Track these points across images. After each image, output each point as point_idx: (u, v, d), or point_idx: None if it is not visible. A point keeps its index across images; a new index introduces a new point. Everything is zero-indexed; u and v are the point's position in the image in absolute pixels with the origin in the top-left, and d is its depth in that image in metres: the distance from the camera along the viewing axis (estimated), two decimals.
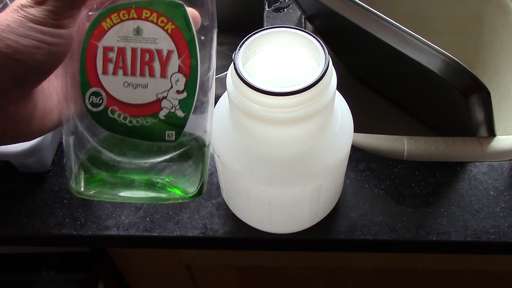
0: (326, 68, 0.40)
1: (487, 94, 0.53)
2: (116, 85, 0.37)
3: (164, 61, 0.37)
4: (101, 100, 0.38)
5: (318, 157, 0.44)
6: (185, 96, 0.38)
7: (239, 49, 0.42)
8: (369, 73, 0.85)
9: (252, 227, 0.54)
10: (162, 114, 0.38)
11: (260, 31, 0.43)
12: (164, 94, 0.37)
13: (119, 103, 0.38)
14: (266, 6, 0.80)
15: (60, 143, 0.63)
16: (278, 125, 0.41)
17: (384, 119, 0.86)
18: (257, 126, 0.42)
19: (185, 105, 0.38)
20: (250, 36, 0.43)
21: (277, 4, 0.80)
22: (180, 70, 0.37)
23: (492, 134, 0.63)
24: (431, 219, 0.55)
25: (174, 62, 0.37)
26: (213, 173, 0.59)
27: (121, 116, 0.38)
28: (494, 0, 0.84)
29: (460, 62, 0.50)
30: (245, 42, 0.42)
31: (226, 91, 0.43)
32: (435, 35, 0.91)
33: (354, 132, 0.63)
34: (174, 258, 0.67)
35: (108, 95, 0.37)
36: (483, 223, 0.55)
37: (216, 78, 0.73)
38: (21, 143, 0.52)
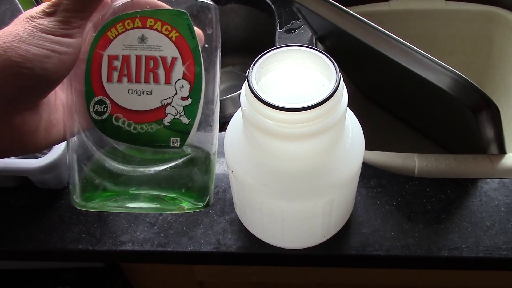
0: (337, 84, 0.41)
1: (497, 111, 0.54)
2: (121, 92, 0.38)
3: (169, 68, 0.38)
4: (105, 108, 0.38)
5: (330, 172, 0.45)
6: (190, 102, 0.38)
7: (253, 67, 0.43)
8: (379, 92, 0.86)
9: (265, 242, 0.55)
10: (166, 121, 0.38)
11: (273, 49, 0.44)
12: (169, 101, 0.38)
13: (124, 110, 0.38)
14: (278, 27, 0.81)
15: None
16: (291, 140, 0.42)
17: (394, 137, 0.87)
18: (270, 141, 0.43)
19: (190, 111, 0.38)
20: (264, 54, 0.44)
21: (289, 25, 0.82)
22: (184, 77, 0.38)
23: (502, 151, 0.64)
24: (443, 235, 0.56)
25: (179, 69, 0.38)
26: (226, 189, 0.60)
27: (126, 123, 0.38)
28: (503, 20, 0.86)
29: (469, 79, 0.51)
30: (259, 60, 0.44)
31: (240, 108, 0.45)
32: (445, 55, 0.92)
33: (365, 149, 0.64)
34: (187, 274, 0.67)
35: (113, 102, 0.38)
36: (495, 239, 0.55)
37: (229, 98, 0.75)
38: (40, 159, 0.54)
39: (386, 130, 0.89)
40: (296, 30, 0.81)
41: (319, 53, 0.44)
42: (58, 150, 0.56)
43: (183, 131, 0.38)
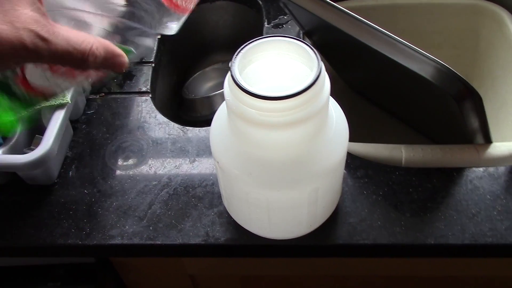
0: (318, 73, 0.42)
1: (479, 99, 0.55)
2: None
3: None
4: None
5: (315, 160, 0.46)
6: None
7: (236, 57, 0.44)
8: (367, 85, 0.87)
9: (253, 233, 0.56)
10: None
11: (255, 40, 0.45)
12: None
13: None
14: (266, 23, 0.82)
15: (66, 157, 0.65)
16: (274, 129, 0.43)
17: (383, 130, 0.88)
18: (254, 131, 0.44)
19: None
20: (246, 45, 0.44)
21: (276, 20, 0.83)
22: None
23: (488, 141, 0.65)
24: (429, 224, 0.56)
25: None
26: (215, 182, 0.61)
27: None
28: (489, 13, 0.86)
29: (451, 68, 0.52)
30: (241, 51, 0.44)
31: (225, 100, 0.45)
32: (432, 48, 0.92)
33: (353, 142, 0.65)
34: (178, 268, 0.68)
35: None
36: (480, 226, 0.56)
37: (218, 94, 0.75)
38: (27, 155, 0.54)
39: (375, 123, 0.89)
40: (284, 25, 0.82)
41: (301, 43, 0.44)
42: (46, 145, 0.56)
43: None
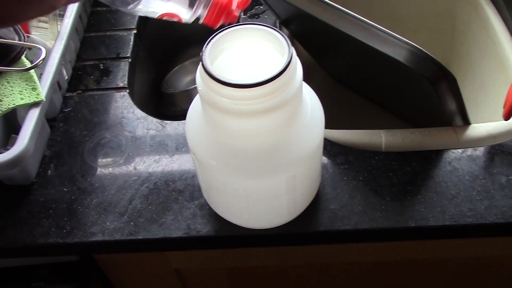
0: (289, 59, 0.41)
1: (454, 81, 0.55)
2: None
3: None
4: None
5: (290, 148, 0.46)
6: None
7: (206, 47, 0.43)
8: (346, 73, 0.87)
9: (234, 224, 0.55)
10: None
11: (225, 29, 0.44)
12: None
13: None
14: (242, 14, 0.82)
15: (44, 155, 0.64)
16: (248, 117, 0.42)
17: (363, 116, 0.88)
18: (228, 120, 0.43)
19: None
20: (216, 34, 0.44)
21: (253, 11, 0.82)
22: None
23: (467, 122, 0.65)
24: (409, 207, 0.56)
25: None
26: (194, 175, 0.61)
27: None
28: None
29: (425, 50, 0.52)
30: (212, 40, 0.44)
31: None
32: (409, 33, 0.92)
33: (334, 129, 0.65)
34: (162, 263, 0.67)
35: None
36: (460, 207, 0.56)
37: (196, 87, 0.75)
38: (3, 155, 0.54)
39: (355, 109, 0.89)
40: (260, 15, 0.81)
41: (271, 29, 0.44)
42: (21, 144, 0.56)
43: None
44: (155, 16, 0.41)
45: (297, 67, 0.43)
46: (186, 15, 0.41)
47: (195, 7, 0.40)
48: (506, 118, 0.60)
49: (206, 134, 0.47)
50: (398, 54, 0.53)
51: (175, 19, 0.41)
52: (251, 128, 0.44)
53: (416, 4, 0.90)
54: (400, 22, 0.92)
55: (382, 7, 0.90)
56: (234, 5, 0.42)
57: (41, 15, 0.38)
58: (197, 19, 0.43)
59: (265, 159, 0.45)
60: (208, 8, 0.41)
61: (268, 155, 0.45)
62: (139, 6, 0.40)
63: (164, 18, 0.41)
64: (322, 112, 0.50)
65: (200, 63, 0.43)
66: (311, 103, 0.49)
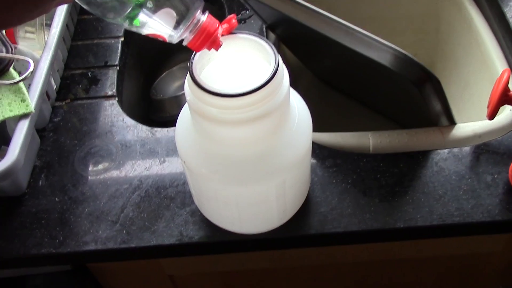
0: (276, 68, 0.42)
1: (438, 83, 0.56)
2: None
3: None
4: None
5: (279, 154, 0.46)
6: None
7: (193, 57, 0.44)
8: (333, 75, 0.88)
9: (226, 230, 0.56)
10: None
11: None
12: None
13: None
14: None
15: (35, 166, 0.64)
16: (236, 126, 0.43)
17: (352, 118, 0.89)
18: (217, 128, 0.44)
19: None
20: None
21: (239, 16, 0.83)
22: None
23: (452, 122, 0.66)
24: (398, 208, 0.57)
25: None
26: (185, 181, 0.61)
27: None
28: None
29: (408, 54, 0.53)
30: None
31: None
32: (395, 34, 0.94)
33: (323, 132, 0.65)
34: (156, 269, 0.68)
35: None
36: (447, 206, 0.57)
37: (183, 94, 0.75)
38: None
39: (344, 111, 0.90)
40: (246, 21, 0.82)
41: (258, 38, 0.45)
42: (11, 156, 0.56)
43: None
44: (141, 33, 0.42)
45: (284, 75, 0.44)
46: (170, 37, 0.42)
47: (181, 31, 0.41)
48: (490, 117, 0.61)
49: (196, 143, 0.47)
50: (383, 58, 0.54)
51: (160, 39, 0.42)
52: (240, 136, 0.44)
53: (401, 6, 0.91)
54: (386, 24, 0.93)
55: (368, 9, 0.91)
56: (219, 33, 0.43)
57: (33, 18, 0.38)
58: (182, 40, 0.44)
59: (254, 166, 0.46)
60: (194, 34, 0.41)
61: (257, 162, 0.46)
62: (125, 23, 0.41)
63: (150, 36, 0.42)
64: (309, 118, 0.50)
65: (188, 73, 0.43)
66: (298, 109, 0.49)
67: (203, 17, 0.41)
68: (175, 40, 0.42)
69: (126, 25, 0.40)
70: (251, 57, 0.47)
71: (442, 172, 0.60)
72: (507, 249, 0.67)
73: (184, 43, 0.42)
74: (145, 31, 0.41)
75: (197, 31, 0.42)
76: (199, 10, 0.41)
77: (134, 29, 0.41)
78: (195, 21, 0.41)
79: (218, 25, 0.43)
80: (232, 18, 0.44)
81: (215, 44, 0.43)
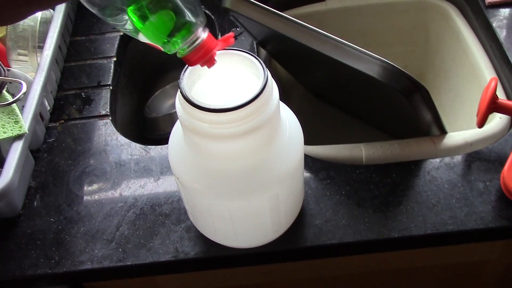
0: (265, 82, 0.43)
1: (426, 92, 0.57)
2: None
3: None
4: None
5: (271, 167, 0.47)
6: None
7: (184, 74, 0.44)
8: (324, 88, 0.89)
9: (221, 245, 0.56)
10: None
11: None
12: None
13: None
14: (220, 36, 0.83)
15: (30, 187, 0.64)
16: (228, 140, 0.44)
17: (344, 130, 0.90)
18: (208, 143, 0.45)
19: None
20: None
21: (230, 33, 0.84)
22: None
23: (443, 132, 0.67)
24: (392, 218, 0.58)
25: None
26: (180, 198, 0.61)
27: None
28: (435, 8, 0.89)
29: (396, 65, 0.54)
30: (189, 67, 0.45)
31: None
32: (385, 47, 0.96)
33: (316, 145, 0.66)
34: (152, 287, 0.68)
35: None
36: (441, 215, 0.57)
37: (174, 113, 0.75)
38: None
39: (336, 123, 0.91)
40: (237, 37, 0.83)
41: (246, 54, 0.45)
42: (6, 177, 0.56)
43: None
44: (139, 39, 0.42)
45: (273, 89, 0.45)
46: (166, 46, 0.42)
47: (180, 43, 0.41)
48: (480, 125, 0.61)
49: (188, 158, 0.48)
50: (371, 70, 0.55)
51: (156, 47, 0.42)
52: (232, 150, 0.45)
53: (390, 18, 0.92)
54: (376, 37, 0.94)
55: (358, 22, 0.92)
56: (216, 51, 0.43)
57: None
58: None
59: (247, 180, 0.46)
60: (191, 49, 0.42)
61: (250, 176, 0.46)
62: (126, 26, 0.41)
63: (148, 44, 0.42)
64: (300, 130, 0.51)
65: (179, 90, 0.44)
66: (289, 122, 0.50)
67: (204, 34, 0.42)
68: (171, 51, 0.42)
69: (127, 27, 0.40)
70: (241, 72, 0.48)
71: (434, 181, 0.61)
72: (502, 256, 0.67)
73: (179, 55, 0.43)
74: (142, 39, 0.41)
75: (196, 47, 0.42)
76: (202, 27, 0.42)
77: (131, 33, 0.41)
78: (196, 37, 0.41)
79: (216, 45, 0.43)
80: (230, 37, 0.45)
81: (209, 62, 0.43)
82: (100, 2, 0.38)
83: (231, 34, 0.45)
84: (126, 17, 0.39)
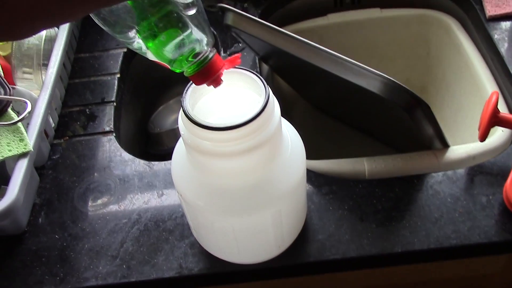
0: (266, 100, 0.43)
1: (427, 108, 0.57)
2: None
3: None
4: None
5: (273, 184, 0.47)
6: None
7: (186, 93, 0.45)
8: (326, 102, 0.89)
9: (225, 261, 0.56)
10: None
11: None
12: None
13: None
14: (222, 52, 0.84)
15: (35, 204, 0.65)
16: (230, 158, 0.44)
17: (347, 144, 0.90)
18: (211, 161, 0.45)
19: None
20: None
21: (232, 48, 0.85)
22: None
23: (445, 145, 0.67)
24: (395, 232, 0.58)
25: None
26: (184, 214, 0.62)
27: None
28: (435, 22, 0.90)
29: (396, 81, 0.54)
30: (191, 86, 0.46)
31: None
32: (387, 60, 0.96)
33: (319, 159, 0.66)
34: None
35: None
36: (444, 229, 0.57)
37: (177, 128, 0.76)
38: None
39: (338, 136, 0.91)
40: (240, 53, 0.83)
41: (248, 72, 0.46)
42: (11, 196, 0.57)
43: None
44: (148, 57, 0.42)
45: (275, 107, 0.45)
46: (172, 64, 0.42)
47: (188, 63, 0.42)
48: (482, 139, 0.62)
49: (191, 175, 0.48)
50: (372, 85, 0.55)
51: (163, 66, 0.43)
52: (234, 168, 0.45)
53: (391, 32, 0.93)
54: (377, 50, 0.95)
55: (360, 37, 0.93)
56: (222, 72, 0.44)
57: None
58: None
59: (249, 197, 0.46)
60: (199, 68, 0.42)
61: (253, 193, 0.46)
62: (135, 44, 0.41)
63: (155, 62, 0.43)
64: (302, 146, 0.51)
65: (181, 108, 0.44)
66: (291, 137, 0.50)
67: (212, 54, 0.42)
68: (179, 70, 0.43)
69: (135, 45, 0.41)
70: (242, 90, 0.48)
71: (437, 195, 0.61)
72: (506, 270, 0.67)
73: (186, 74, 0.43)
74: (151, 57, 0.41)
75: (204, 67, 0.42)
76: (210, 47, 0.42)
77: (143, 53, 0.41)
78: (203, 56, 0.42)
79: (223, 65, 0.44)
80: (237, 58, 0.45)
81: (215, 82, 0.44)
82: (110, 19, 0.38)
83: (238, 55, 0.46)
84: (136, 35, 0.40)
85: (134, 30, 0.39)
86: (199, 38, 0.41)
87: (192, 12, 0.40)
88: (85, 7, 0.33)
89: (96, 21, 0.39)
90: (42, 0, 0.31)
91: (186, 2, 0.40)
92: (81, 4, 0.32)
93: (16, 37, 0.34)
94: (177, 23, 0.40)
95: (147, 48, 0.41)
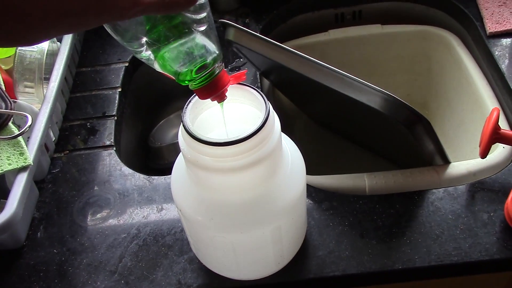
0: (267, 115, 0.43)
1: (428, 124, 0.57)
2: None
3: None
4: None
5: (273, 200, 0.47)
6: None
7: (186, 108, 0.45)
8: (327, 117, 0.89)
9: (224, 277, 0.56)
10: None
11: None
12: None
13: None
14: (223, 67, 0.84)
15: (34, 218, 0.65)
16: (230, 173, 0.44)
17: (348, 159, 0.90)
18: (211, 176, 0.45)
19: None
20: (195, 95, 0.46)
21: (233, 63, 0.85)
22: None
23: (446, 161, 0.67)
24: (395, 249, 0.57)
25: None
26: (183, 229, 0.61)
27: None
28: (436, 38, 0.90)
29: (397, 97, 0.54)
30: (191, 101, 0.46)
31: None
32: (388, 76, 0.96)
33: (319, 174, 0.66)
34: None
35: None
36: (445, 246, 0.57)
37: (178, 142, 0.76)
38: None
39: (339, 152, 0.91)
40: (241, 68, 0.84)
41: (248, 87, 0.46)
42: (10, 210, 0.56)
43: None
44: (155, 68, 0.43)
45: (275, 122, 0.45)
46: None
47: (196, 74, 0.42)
48: (482, 156, 0.61)
49: (191, 191, 0.48)
50: (373, 101, 0.55)
51: (169, 77, 0.43)
52: (234, 183, 0.45)
53: (392, 48, 0.93)
54: (378, 66, 0.95)
55: (361, 52, 0.93)
56: (227, 87, 0.44)
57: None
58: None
59: (249, 213, 0.46)
60: (205, 82, 0.42)
61: (252, 208, 0.46)
62: (143, 54, 0.41)
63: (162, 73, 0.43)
64: (302, 162, 0.51)
65: (181, 123, 0.44)
66: (291, 153, 0.50)
67: (219, 69, 0.43)
68: (185, 82, 0.43)
69: (143, 55, 0.41)
70: (243, 106, 0.48)
71: (438, 211, 0.60)
72: (509, 287, 0.66)
73: (191, 87, 0.43)
74: (158, 69, 0.42)
75: (210, 81, 0.42)
76: (218, 62, 0.42)
77: (151, 64, 0.42)
78: (211, 71, 0.42)
79: (229, 80, 0.44)
80: (242, 75, 0.46)
81: (220, 97, 0.44)
82: (121, 28, 0.39)
83: (243, 71, 0.46)
84: (144, 44, 0.40)
85: (143, 40, 0.40)
86: (207, 52, 0.41)
87: (203, 28, 0.41)
88: (99, 19, 0.35)
89: (107, 29, 0.39)
90: (59, 11, 0.32)
91: (197, 18, 0.40)
92: (96, 17, 0.34)
93: (31, 44, 0.35)
94: (186, 35, 0.40)
95: (155, 58, 0.41)
